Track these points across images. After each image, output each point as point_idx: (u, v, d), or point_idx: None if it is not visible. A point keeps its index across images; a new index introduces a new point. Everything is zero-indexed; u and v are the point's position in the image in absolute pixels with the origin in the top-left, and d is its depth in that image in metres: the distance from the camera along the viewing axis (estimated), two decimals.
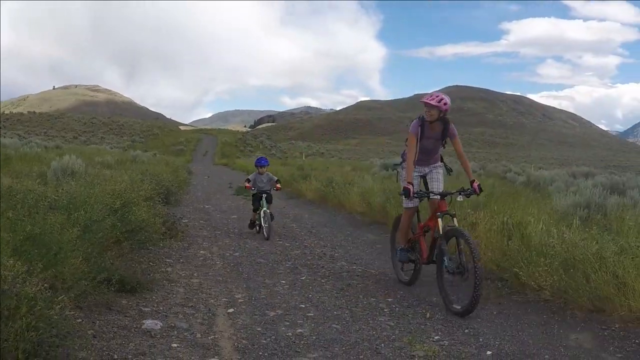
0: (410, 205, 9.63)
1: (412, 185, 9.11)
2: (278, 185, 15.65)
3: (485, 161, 68.51)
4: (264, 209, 14.98)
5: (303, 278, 10.42)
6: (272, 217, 14.98)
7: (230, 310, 8.23)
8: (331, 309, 8.47)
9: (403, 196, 9.29)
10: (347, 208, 19.83)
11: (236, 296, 8.98)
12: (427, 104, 9.19)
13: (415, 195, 9.14)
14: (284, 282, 10.08)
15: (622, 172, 48.72)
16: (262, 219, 15.03)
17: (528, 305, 8.59)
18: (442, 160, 10.10)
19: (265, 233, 14.70)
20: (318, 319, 7.99)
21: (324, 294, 9.36)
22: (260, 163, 15.86)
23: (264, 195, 15.20)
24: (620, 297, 7.79)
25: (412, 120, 9.63)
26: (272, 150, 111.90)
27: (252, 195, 15.71)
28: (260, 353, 6.59)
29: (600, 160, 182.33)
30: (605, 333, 7.56)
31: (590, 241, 8.97)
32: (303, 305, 8.65)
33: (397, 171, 10.70)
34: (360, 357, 6.63)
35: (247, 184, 15.67)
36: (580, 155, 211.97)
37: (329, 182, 23.75)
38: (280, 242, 14.04)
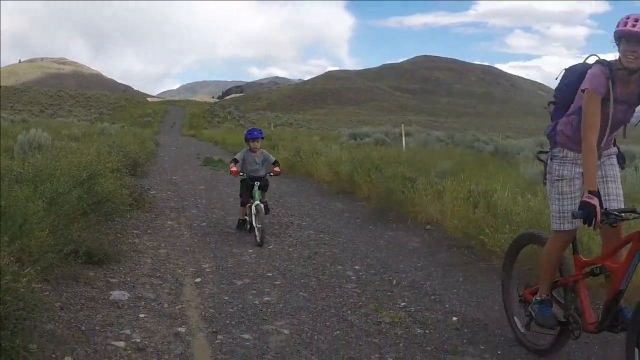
0: (568, 227, 5.44)
1: (598, 196, 4.91)
2: (276, 169, 11.73)
3: (453, 130, 68.70)
4: (256, 202, 11.11)
5: (270, 247, 10.44)
6: (267, 209, 11.33)
7: (198, 279, 8.24)
8: (298, 277, 8.53)
9: (574, 217, 4.95)
10: (315, 177, 19.81)
11: (203, 266, 8.99)
12: (629, 33, 4.89)
13: (607, 217, 4.85)
14: (251, 251, 10.10)
15: None
16: (252, 215, 11.14)
17: (494, 272, 8.65)
18: (615, 145, 5.76)
19: (257, 236, 10.67)
20: (285, 287, 8.04)
21: (291, 262, 9.40)
22: (252, 135, 11.77)
23: (257, 183, 11.36)
24: None
25: (583, 67, 5.48)
26: (241, 121, 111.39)
27: (241, 182, 11.80)
28: (228, 321, 6.62)
29: None
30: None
31: None
32: (270, 274, 8.69)
33: (545, 164, 5.92)
34: (327, 324, 6.68)
35: (233, 167, 11.49)
36: (548, 125, 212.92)
37: (296, 152, 23.76)
38: None
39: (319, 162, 20.17)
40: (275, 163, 11.90)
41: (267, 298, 7.53)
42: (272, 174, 11.78)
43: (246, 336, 6.21)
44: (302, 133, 58.36)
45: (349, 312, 7.08)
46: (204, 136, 60.37)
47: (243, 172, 11.68)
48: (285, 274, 8.73)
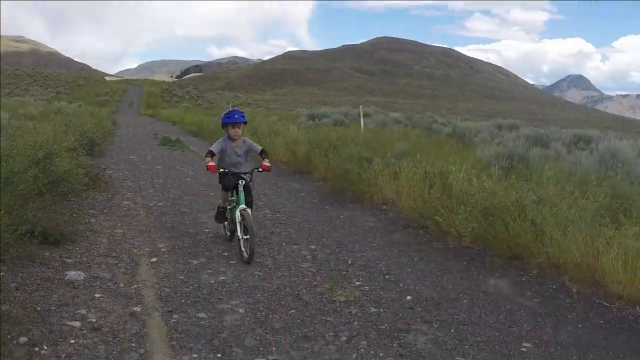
0: None
1: None
2: (266, 163, 9.19)
3: (411, 112, 68.90)
4: (241, 207, 8.75)
5: None
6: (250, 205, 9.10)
7: (154, 259, 8.26)
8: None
9: None
10: (272, 157, 19.61)
11: (159, 245, 9.01)
12: None
13: None
14: (207, 230, 10.15)
15: (547, 125, 49.61)
16: (237, 224, 8.76)
17: (448, 252, 8.79)
18: None
19: (244, 251, 8.47)
20: (240, 267, 8.11)
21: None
22: (232, 119, 9.17)
23: (241, 183, 8.97)
24: (538, 244, 8.05)
25: None
26: (199, 101, 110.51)
27: (220, 175, 9.27)
28: (183, 301, 6.66)
29: (526, 113, 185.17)
30: (523, 279, 7.83)
31: (510, 190, 9.19)
32: (226, 254, 8.77)
33: None
34: (282, 302, 6.75)
35: (210, 162, 8.88)
36: (507, 108, 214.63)
37: (253, 132, 23.74)
38: (204, 192, 14.04)
39: (277, 143, 20.19)
40: (263, 153, 9.32)
41: (222, 277, 7.59)
42: (260, 169, 9.10)
43: (201, 315, 6.26)
44: (260, 113, 58.07)
45: (304, 291, 7.16)
46: (162, 116, 59.88)
47: (223, 168, 9.06)
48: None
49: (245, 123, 9.34)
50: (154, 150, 24.22)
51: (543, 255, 7.99)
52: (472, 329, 6.23)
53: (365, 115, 29.67)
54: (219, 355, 5.31)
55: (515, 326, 6.35)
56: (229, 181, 9.09)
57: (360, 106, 28.28)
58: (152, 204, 12.19)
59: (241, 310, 6.47)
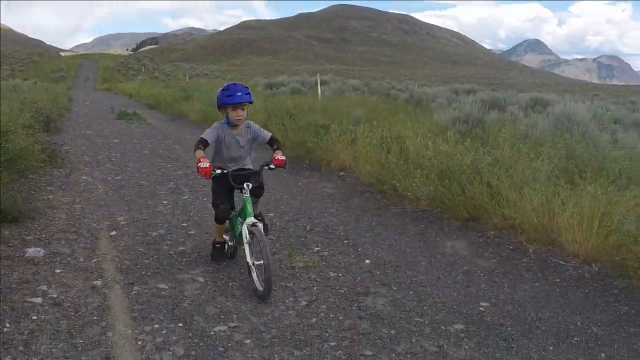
0: None
1: None
2: (279, 157, 6.59)
3: (369, 79, 68.93)
4: (249, 221, 6.26)
5: (185, 197, 10.49)
6: (266, 228, 6.65)
7: (113, 233, 8.23)
8: (212, 226, 8.57)
9: None
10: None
11: (118, 219, 8.97)
12: None
13: None
14: (166, 202, 10.11)
15: (504, 90, 49.94)
16: (246, 245, 6.30)
17: (406, 215, 8.87)
18: None
19: (258, 282, 6.14)
20: (200, 237, 8.13)
21: (206, 212, 9.40)
22: (235, 98, 6.56)
23: (247, 187, 6.45)
24: (495, 206, 8.16)
25: None
26: (155, 73, 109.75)
27: (213, 180, 6.68)
28: (143, 272, 6.67)
29: (484, 78, 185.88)
30: (480, 240, 7.94)
31: (466, 153, 9.28)
32: (185, 224, 8.75)
33: None
34: (242, 270, 6.78)
35: (203, 161, 6.16)
36: (464, 73, 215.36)
37: (211, 102, 23.70)
38: (162, 164, 13.99)
39: None
40: (273, 142, 6.89)
41: (181, 248, 7.61)
42: (272, 166, 6.56)
43: (162, 286, 6.28)
44: (218, 84, 57.86)
45: None
46: (118, 90, 59.38)
47: (220, 168, 6.41)
48: (200, 223, 8.80)
49: (251, 103, 6.70)
50: (111, 124, 24.00)
51: (499, 216, 8.10)
52: (430, 290, 6.33)
53: (323, 83, 29.67)
54: (180, 324, 5.34)
55: (472, 286, 6.45)
56: (227, 204, 6.75)
57: (317, 74, 28.29)
58: (110, 178, 12.11)
59: (201, 280, 6.50)
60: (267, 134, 6.95)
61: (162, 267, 6.85)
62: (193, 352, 4.84)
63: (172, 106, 28.62)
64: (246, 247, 6.25)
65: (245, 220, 6.29)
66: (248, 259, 6.21)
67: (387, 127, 12.15)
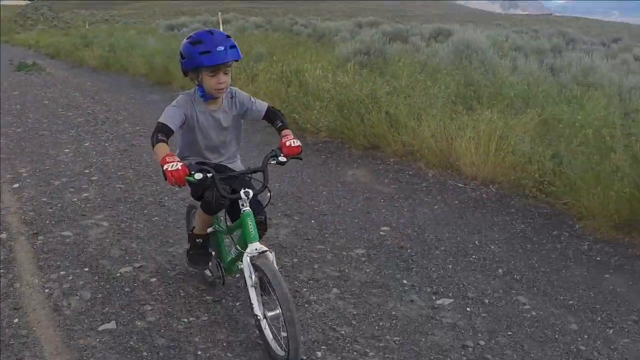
0: None
1: None
2: (292, 142, 3.96)
3: (271, 15, 68.42)
4: (255, 249, 3.79)
5: (87, 144, 10.25)
6: (264, 226, 4.25)
7: (15, 185, 8.04)
8: (115, 170, 8.48)
9: None
10: (130, 72, 19.54)
11: (20, 171, 8.76)
12: None
13: None
14: (67, 150, 9.91)
15: (408, 21, 50.16)
16: (251, 289, 3.85)
17: (307, 147, 8.90)
18: None
19: (274, 344, 3.92)
20: (102, 182, 8.00)
21: (108, 156, 9.31)
22: (214, 57, 3.81)
23: (246, 197, 3.85)
24: (394, 133, 8.29)
25: None
26: (55, 22, 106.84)
27: (194, 184, 3.70)
28: (48, 222, 6.56)
29: (388, 11, 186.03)
30: (381, 168, 8.08)
31: (365, 84, 9.35)
32: (87, 171, 8.59)
33: None
34: (145, 212, 6.75)
35: (166, 153, 3.61)
36: (368, 6, 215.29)
37: (111, 48, 23.28)
38: (63, 113, 13.62)
39: (134, 56, 19.84)
40: (276, 118, 4.33)
41: (85, 194, 7.48)
42: (283, 158, 3.94)
43: (66, 233, 6.20)
44: (118, 28, 56.54)
45: (165, 198, 7.17)
46: (16, 41, 57.63)
47: (200, 168, 3.70)
48: (102, 169, 8.65)
49: (239, 59, 4.03)
50: (10, 76, 23.30)
51: (399, 143, 8.24)
52: (331, 218, 6.41)
53: (225, 22, 29.31)
54: (87, 269, 5.30)
55: (373, 212, 6.57)
56: (216, 196, 4.01)
57: (219, 13, 27.89)
58: (10, 131, 11.77)
59: (105, 224, 6.43)
60: (263, 105, 4.39)
61: (66, 215, 6.75)
62: (100, 295, 4.83)
63: (72, 54, 28.03)
64: (251, 292, 3.88)
65: (245, 248, 3.89)
66: (256, 310, 3.89)
67: (287, 62, 12.14)
